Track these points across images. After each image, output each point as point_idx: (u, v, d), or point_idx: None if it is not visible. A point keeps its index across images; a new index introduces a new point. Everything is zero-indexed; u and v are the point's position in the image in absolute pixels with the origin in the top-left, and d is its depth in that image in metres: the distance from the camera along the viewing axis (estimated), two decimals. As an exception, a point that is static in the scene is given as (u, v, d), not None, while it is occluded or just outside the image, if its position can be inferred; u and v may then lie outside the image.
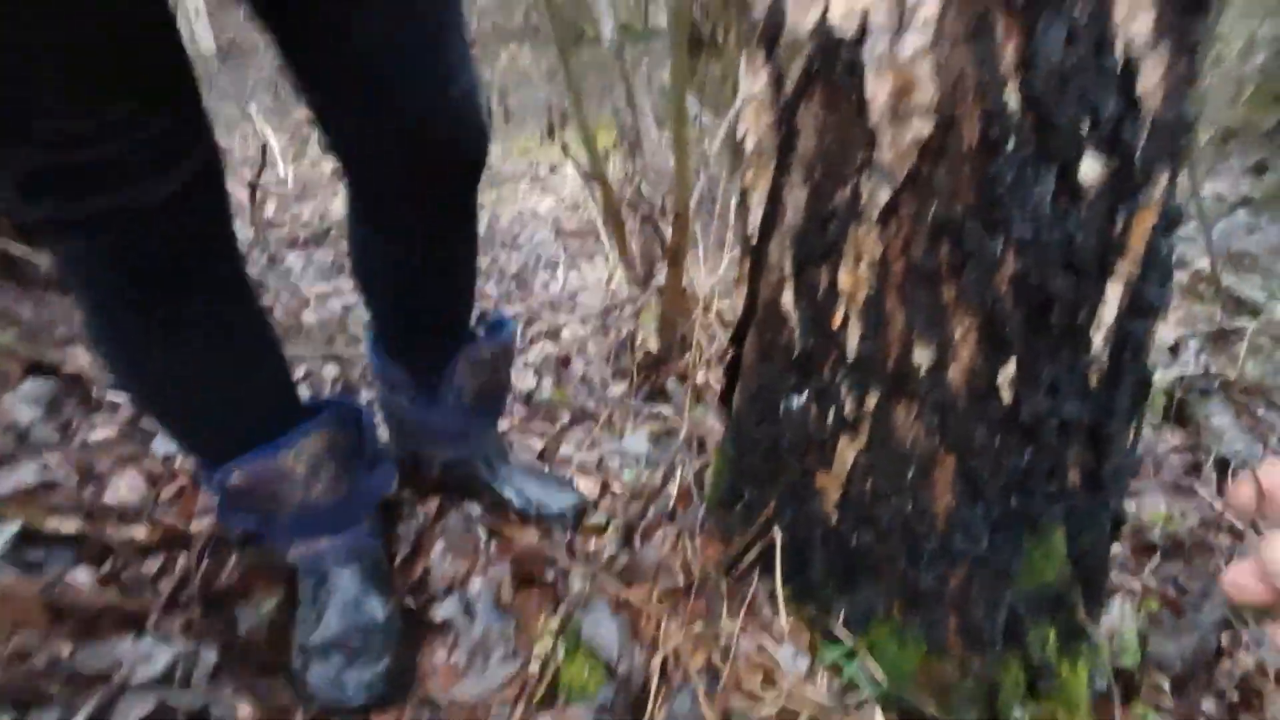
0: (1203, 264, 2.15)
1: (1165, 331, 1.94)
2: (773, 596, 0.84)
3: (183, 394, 0.78)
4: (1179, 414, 1.59)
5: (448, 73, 0.73)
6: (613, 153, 2.04)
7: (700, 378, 1.58)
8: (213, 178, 0.70)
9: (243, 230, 1.88)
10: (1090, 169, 0.59)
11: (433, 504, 1.09)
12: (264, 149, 1.92)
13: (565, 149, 1.63)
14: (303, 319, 1.65)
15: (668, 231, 1.58)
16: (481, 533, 1.06)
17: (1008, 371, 0.66)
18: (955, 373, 0.67)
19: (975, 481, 0.70)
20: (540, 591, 0.96)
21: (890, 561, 0.76)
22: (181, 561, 0.91)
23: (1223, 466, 1.39)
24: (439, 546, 1.04)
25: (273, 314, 1.67)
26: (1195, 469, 1.43)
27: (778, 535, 0.81)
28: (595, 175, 1.58)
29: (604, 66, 1.84)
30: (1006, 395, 0.67)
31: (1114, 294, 0.64)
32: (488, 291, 2.20)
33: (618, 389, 1.66)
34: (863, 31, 0.59)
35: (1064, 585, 0.75)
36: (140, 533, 0.90)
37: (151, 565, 0.90)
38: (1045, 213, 0.60)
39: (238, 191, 2.11)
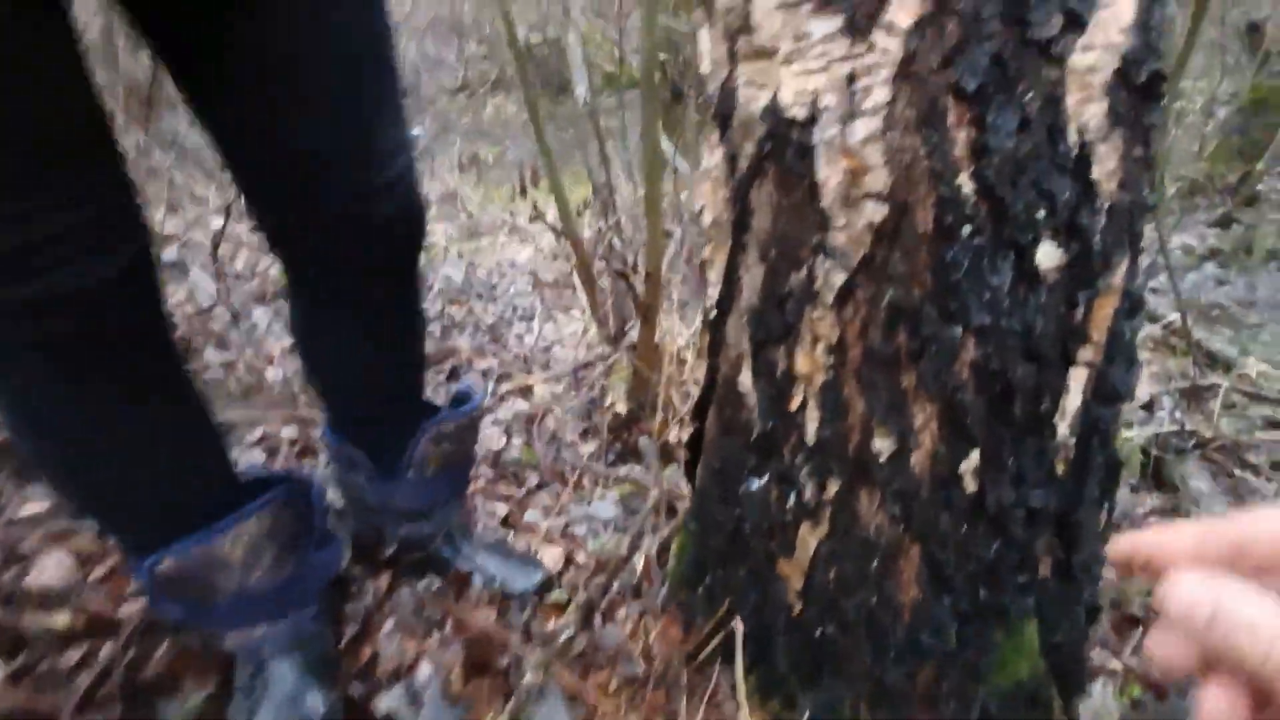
0: (1174, 317, 2.16)
1: (1141, 387, 1.93)
2: (735, 689, 0.79)
3: (109, 482, 0.74)
4: (1156, 474, 1.57)
5: (381, 157, 0.72)
6: (587, 208, 2.04)
7: (673, 437, 1.55)
8: (142, 270, 0.67)
9: (206, 285, 1.84)
10: (1048, 256, 0.57)
11: (385, 579, 1.04)
12: (229, 205, 1.89)
13: (535, 208, 1.62)
14: (265, 377, 1.61)
15: (641, 287, 1.57)
16: (434, 612, 1.01)
17: (971, 460, 0.63)
18: (918, 461, 0.64)
19: (941, 573, 0.67)
20: (492, 680, 0.91)
21: (855, 656, 0.72)
22: (106, 650, 0.85)
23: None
24: (389, 626, 0.98)
25: (234, 371, 1.63)
26: (1174, 533, 1.40)
27: (739, 625, 0.77)
28: (566, 233, 1.57)
29: (582, 118, 1.84)
30: (971, 484, 0.64)
31: (1077, 381, 0.62)
32: (461, 345, 2.17)
33: (588, 448, 1.62)
34: (813, 115, 0.58)
35: (1038, 681, 0.71)
36: (62, 620, 0.85)
37: (72, 656, 0.83)
38: (1003, 300, 0.58)
39: (206, 243, 2.08)
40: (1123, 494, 1.55)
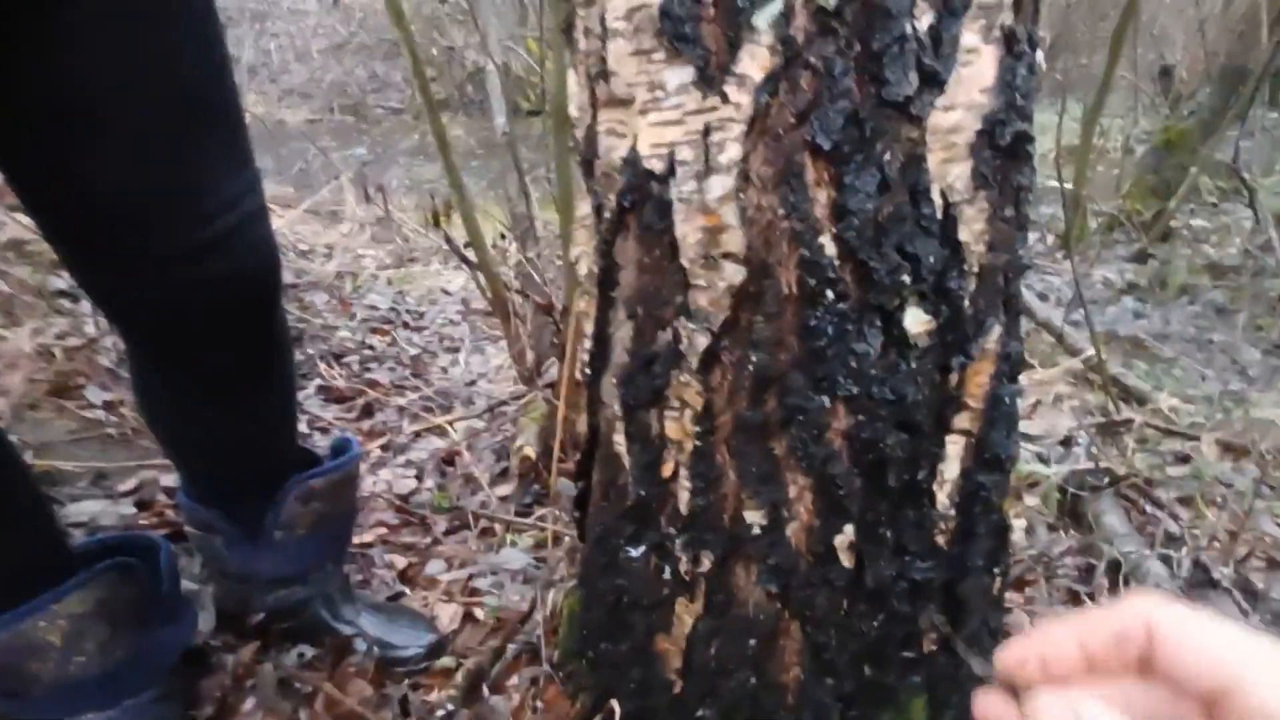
0: (1091, 351, 2.21)
1: (1059, 421, 1.96)
2: (616, 774, 0.73)
3: None
4: (1072, 511, 1.57)
5: (211, 206, 0.64)
6: (505, 239, 1.99)
7: (591, 479, 1.49)
8: None
9: (95, 313, 1.72)
10: (916, 321, 0.54)
11: (249, 651, 0.95)
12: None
13: (448, 241, 1.56)
14: (152, 418, 1.50)
15: (562, 323, 1.52)
16: (305, 686, 0.92)
17: (847, 534, 0.59)
18: (793, 534, 0.60)
19: (823, 653, 0.63)
20: (361, 765, 0.83)
21: (738, 741, 0.67)
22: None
23: (1115, 570, 1.37)
24: (249, 705, 0.89)
25: (117, 411, 1.51)
26: (1089, 572, 1.40)
27: (616, 707, 0.71)
28: (480, 267, 1.51)
29: (502, 148, 1.79)
30: (847, 559, 0.60)
31: (955, 449, 0.59)
32: (380, 379, 2.08)
33: (503, 491, 1.55)
34: (671, 168, 0.54)
35: (928, 763, 0.67)
36: None
37: None
38: (872, 367, 0.55)
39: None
40: (1040, 534, 1.55)
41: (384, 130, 7.23)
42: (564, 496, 1.50)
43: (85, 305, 1.88)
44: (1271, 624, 1.28)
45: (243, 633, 0.96)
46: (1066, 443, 1.81)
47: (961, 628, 0.64)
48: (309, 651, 0.96)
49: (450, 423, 1.74)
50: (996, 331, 0.58)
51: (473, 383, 2.13)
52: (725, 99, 0.51)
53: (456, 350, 2.38)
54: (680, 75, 0.52)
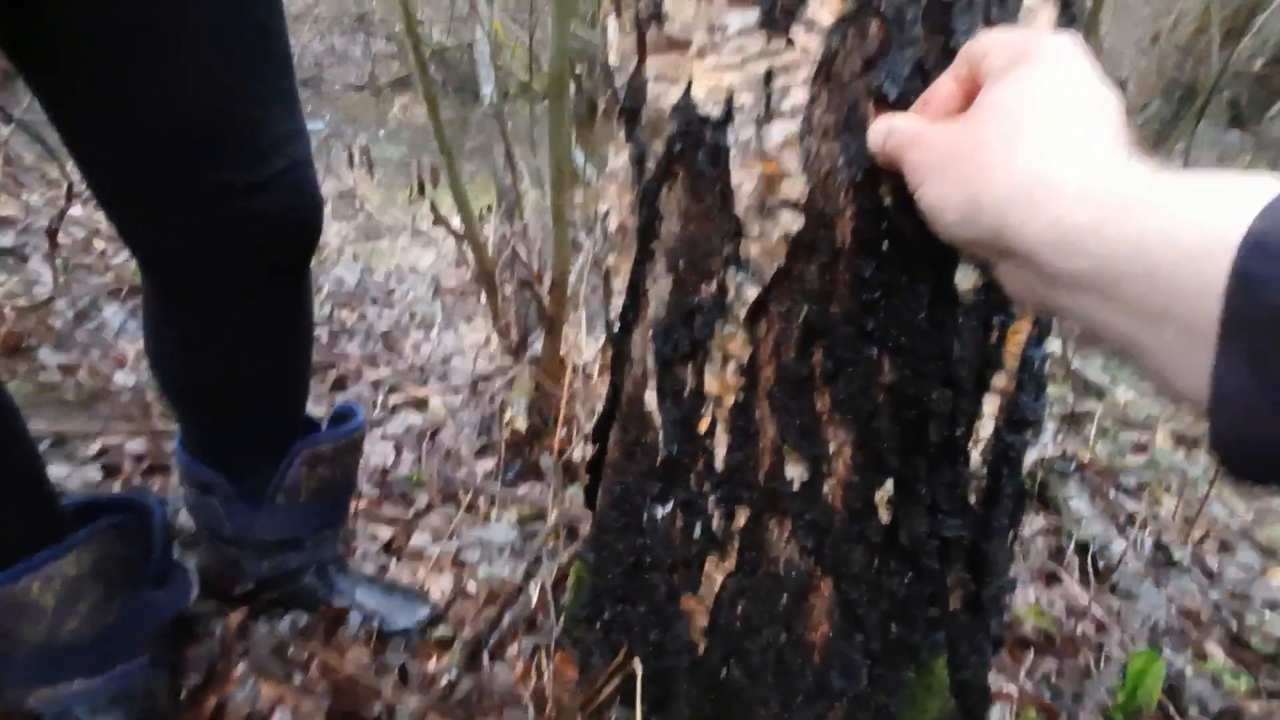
0: (1055, 346, 2.29)
1: (1025, 411, 2.03)
2: (633, 737, 0.72)
3: None
4: (1042, 495, 1.63)
5: (265, 144, 0.62)
6: (490, 214, 1.95)
7: (576, 454, 1.47)
8: None
9: (48, 276, 1.62)
10: (965, 277, 0.55)
11: (238, 617, 0.91)
12: (71, 185, 1.66)
13: (434, 210, 1.52)
14: (114, 382, 1.42)
15: (547, 297, 1.49)
16: (298, 654, 0.89)
17: (886, 489, 0.60)
18: (831, 490, 0.60)
19: (854, 610, 0.63)
20: (361, 733, 0.80)
21: (763, 699, 0.67)
22: None
23: (1083, 552, 1.42)
24: (240, 670, 0.86)
25: (74, 375, 1.43)
26: (1059, 552, 1.45)
27: (639, 667, 0.70)
28: (468, 237, 1.47)
29: (489, 120, 1.75)
30: (884, 515, 0.60)
31: (991, 408, 0.60)
32: (351, 352, 2.01)
33: (485, 466, 1.53)
34: (728, 114, 0.53)
35: (949, 719, 0.68)
36: None
37: None
38: (922, 321, 0.55)
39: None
40: (1012, 514, 1.60)
41: (341, 105, 7.01)
42: (548, 473, 1.49)
43: (35, 264, 1.78)
44: (1229, 602, 1.35)
45: (227, 600, 0.92)
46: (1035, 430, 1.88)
47: (985, 587, 0.66)
48: (301, 620, 0.93)
49: (428, 397, 1.70)
50: (1036, 292, 0.58)
51: (448, 359, 2.08)
52: (791, 43, 0.50)
53: (429, 327, 2.32)
54: (744, 18, 0.51)
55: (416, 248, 3.13)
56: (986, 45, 0.42)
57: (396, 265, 2.91)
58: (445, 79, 5.91)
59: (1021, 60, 0.39)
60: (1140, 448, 1.94)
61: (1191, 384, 0.28)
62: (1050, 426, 1.86)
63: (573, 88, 1.41)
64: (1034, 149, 0.36)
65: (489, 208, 1.94)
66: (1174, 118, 3.74)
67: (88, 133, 0.60)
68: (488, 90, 1.57)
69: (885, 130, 0.46)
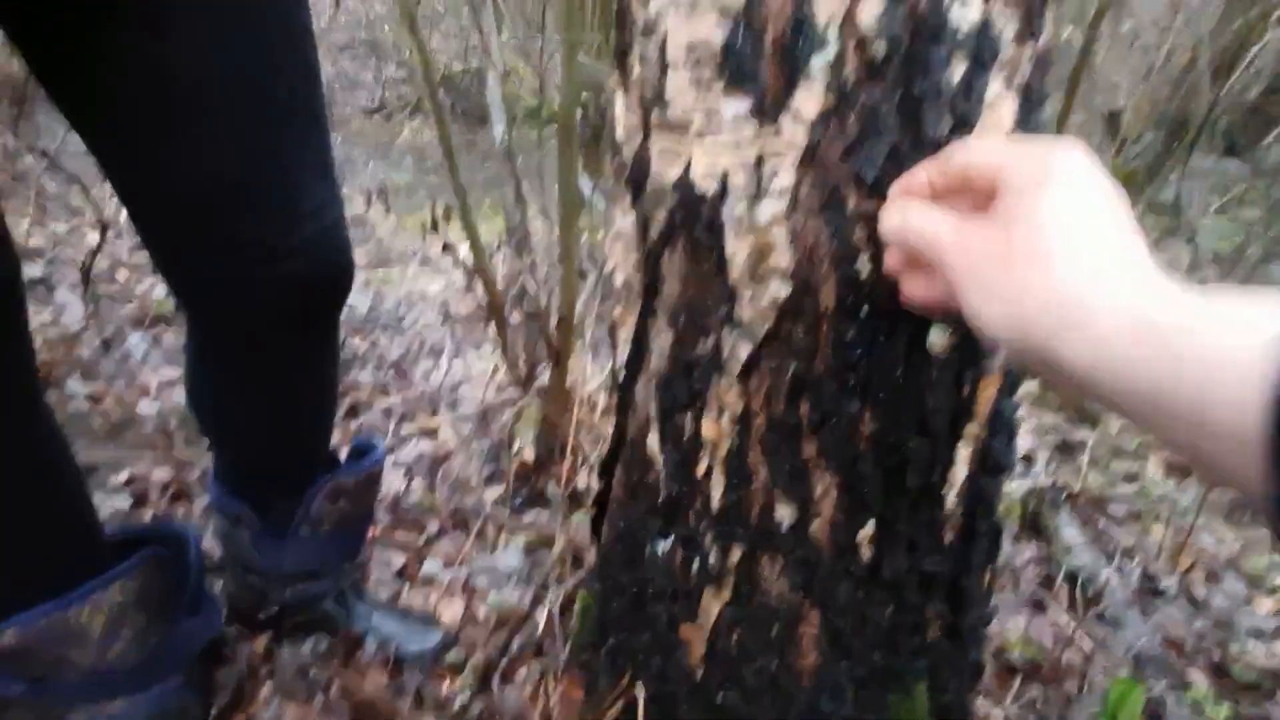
0: (1049, 375, 2.33)
1: (1022, 441, 2.07)
2: (636, 757, 0.77)
3: None
4: (1033, 524, 1.67)
5: (301, 211, 0.67)
6: (499, 247, 2.02)
7: (581, 483, 1.53)
8: (7, 297, 0.61)
9: (75, 307, 1.69)
10: (938, 336, 0.61)
11: (263, 641, 0.96)
12: (104, 221, 1.74)
13: (446, 247, 1.58)
14: (138, 411, 1.48)
15: (554, 330, 1.55)
16: (320, 675, 0.94)
17: (868, 529, 0.65)
18: (818, 529, 0.66)
19: (840, 639, 0.68)
20: (380, 752, 0.85)
21: (756, 722, 0.72)
22: (-79, 736, 0.74)
23: (1073, 580, 1.46)
24: (266, 691, 0.91)
25: (101, 405, 1.49)
26: (1049, 581, 1.49)
27: (641, 691, 0.75)
28: (478, 271, 1.54)
29: (499, 157, 1.83)
30: (867, 552, 0.66)
31: (964, 455, 0.65)
32: (363, 380, 2.07)
33: (494, 493, 1.58)
34: (723, 191, 0.59)
35: (928, 743, 0.73)
36: None
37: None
38: (899, 376, 0.61)
39: (80, 259, 1.91)
40: (1005, 544, 1.64)
41: (353, 131, 7.15)
42: (554, 501, 1.54)
43: (62, 295, 1.85)
44: (1213, 630, 1.39)
45: (252, 625, 0.98)
46: (1028, 459, 1.92)
47: (964, 617, 0.71)
48: (322, 643, 0.98)
49: (438, 426, 1.75)
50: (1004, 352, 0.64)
51: (457, 387, 2.14)
52: (779, 131, 0.56)
53: (439, 355, 2.39)
54: (737, 106, 0.58)
55: (426, 275, 3.21)
56: (1001, 156, 0.43)
57: (407, 292, 2.99)
58: (454, 102, 6.03)
59: (1044, 177, 0.40)
60: (1131, 477, 1.98)
61: (1245, 478, 0.30)
62: (1043, 456, 1.91)
63: (579, 113, 1.48)
64: (1072, 270, 0.37)
65: (499, 240, 2.01)
66: (1166, 150, 3.81)
67: (126, 185, 0.65)
68: (498, 129, 1.64)
69: (901, 218, 0.49)
